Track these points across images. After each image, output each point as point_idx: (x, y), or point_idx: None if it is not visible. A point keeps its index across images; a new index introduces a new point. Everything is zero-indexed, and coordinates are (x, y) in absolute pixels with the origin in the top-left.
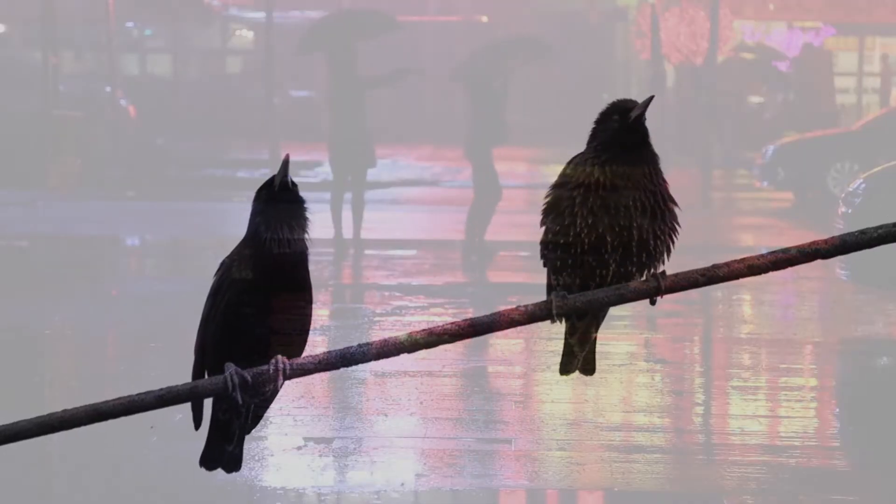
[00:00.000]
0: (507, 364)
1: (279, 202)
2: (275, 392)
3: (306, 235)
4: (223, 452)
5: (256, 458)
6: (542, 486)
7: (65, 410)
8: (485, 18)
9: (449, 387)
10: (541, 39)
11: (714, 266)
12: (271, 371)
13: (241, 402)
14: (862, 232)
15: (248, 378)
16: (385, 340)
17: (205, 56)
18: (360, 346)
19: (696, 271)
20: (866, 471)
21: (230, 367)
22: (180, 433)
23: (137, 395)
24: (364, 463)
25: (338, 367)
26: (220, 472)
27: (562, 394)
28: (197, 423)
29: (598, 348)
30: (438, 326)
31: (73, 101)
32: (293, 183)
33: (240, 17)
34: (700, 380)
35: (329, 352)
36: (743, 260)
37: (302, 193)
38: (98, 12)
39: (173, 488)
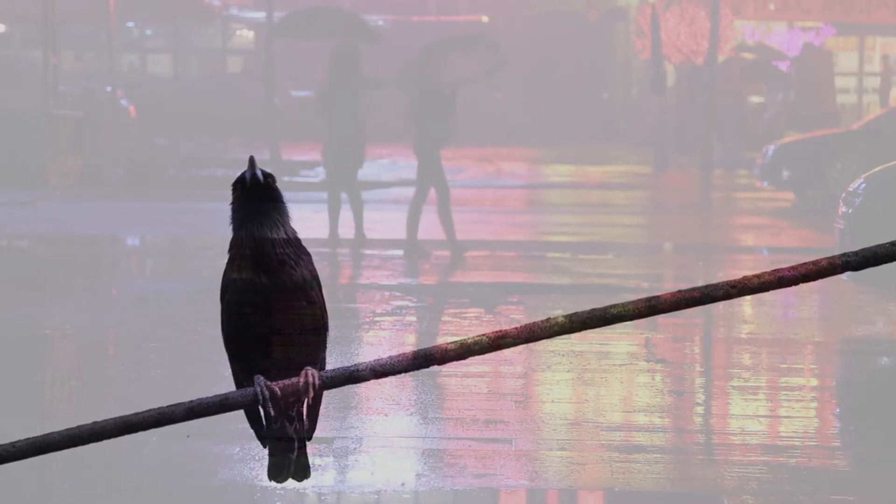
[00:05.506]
0: (507, 364)
1: (251, 200)
2: (318, 399)
3: (288, 232)
4: (289, 462)
5: (256, 457)
6: (542, 486)
7: (94, 423)
8: (485, 18)
9: (449, 387)
10: (493, 44)
11: (745, 278)
12: (301, 384)
13: (273, 414)
14: (893, 244)
15: (278, 391)
16: (416, 352)
17: (205, 56)
18: (390, 357)
19: (728, 283)
20: (866, 471)
21: (259, 380)
22: (180, 433)
23: (167, 407)
24: (364, 463)
25: (368, 380)
26: (219, 472)
27: (562, 394)
28: (262, 439)
29: (600, 348)
30: (470, 339)
31: (73, 101)
32: (265, 175)
33: (240, 17)
34: (700, 380)
35: (358, 364)
36: (774, 272)
37: (294, 192)
38: (98, 12)
39: (174, 488)
